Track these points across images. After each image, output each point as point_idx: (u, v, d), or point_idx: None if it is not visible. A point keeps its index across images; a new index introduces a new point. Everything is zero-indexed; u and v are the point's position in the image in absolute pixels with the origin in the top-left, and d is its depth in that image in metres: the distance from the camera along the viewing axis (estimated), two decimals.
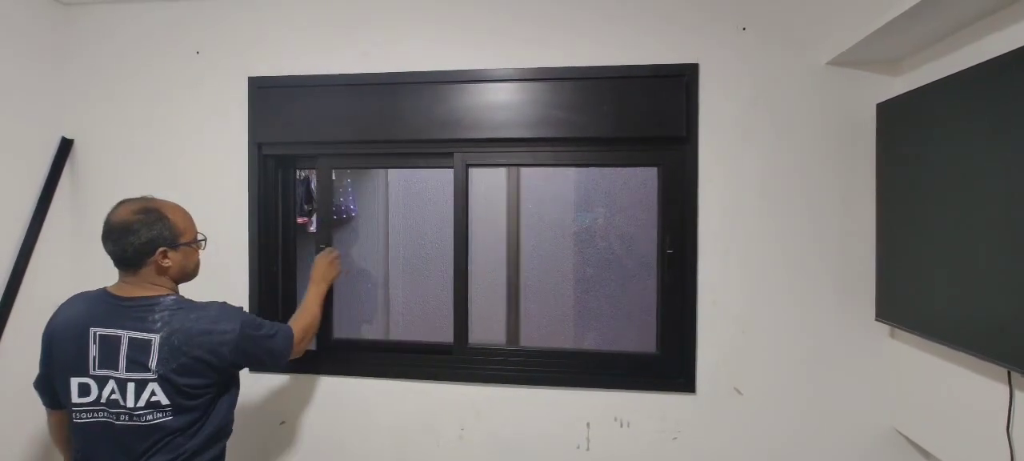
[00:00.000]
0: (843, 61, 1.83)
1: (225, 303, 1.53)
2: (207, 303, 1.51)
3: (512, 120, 1.99)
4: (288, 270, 2.25)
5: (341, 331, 2.31)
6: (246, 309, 1.70)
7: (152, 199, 1.49)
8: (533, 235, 2.17)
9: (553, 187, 2.23)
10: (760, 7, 1.90)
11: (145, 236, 1.41)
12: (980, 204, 1.33)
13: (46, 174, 2.12)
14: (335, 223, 2.42)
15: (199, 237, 1.56)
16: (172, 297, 1.46)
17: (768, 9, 1.89)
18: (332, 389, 2.12)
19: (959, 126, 1.40)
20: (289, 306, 2.24)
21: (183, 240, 1.48)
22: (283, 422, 2.14)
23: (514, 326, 2.17)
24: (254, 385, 2.16)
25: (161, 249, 1.43)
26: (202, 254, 1.62)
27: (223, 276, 2.15)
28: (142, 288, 1.44)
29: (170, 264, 1.46)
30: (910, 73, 1.77)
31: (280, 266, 2.22)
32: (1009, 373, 1.37)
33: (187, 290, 1.56)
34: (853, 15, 1.82)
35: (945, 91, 1.46)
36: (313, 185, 2.66)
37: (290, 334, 1.66)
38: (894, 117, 1.69)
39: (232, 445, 2.16)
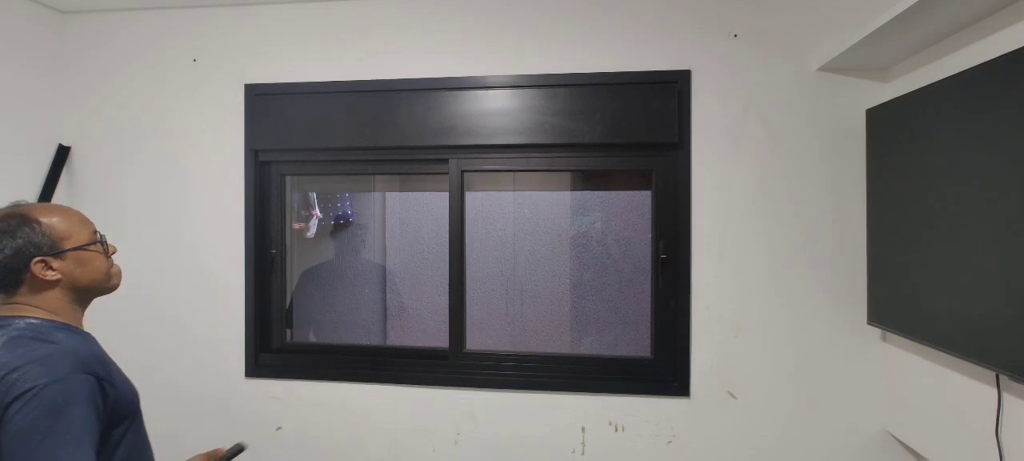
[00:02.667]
0: (833, 67, 1.86)
1: (80, 351, 1.08)
2: (63, 337, 1.09)
3: (507, 127, 2.01)
4: (283, 275, 2.25)
5: (338, 336, 2.32)
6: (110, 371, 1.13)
7: (19, 204, 1.16)
8: (530, 240, 2.18)
9: (549, 192, 2.24)
10: (751, 14, 1.92)
11: (9, 247, 1.08)
12: (969, 208, 1.35)
13: (44, 180, 2.13)
14: (333, 228, 2.44)
15: (98, 238, 1.21)
16: (28, 321, 1.09)
17: (759, 16, 1.91)
18: (329, 394, 2.13)
19: (948, 131, 1.42)
20: (283, 312, 2.25)
21: (69, 244, 1.14)
22: (280, 428, 2.15)
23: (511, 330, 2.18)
24: (250, 391, 2.16)
25: (37, 259, 1.09)
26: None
27: (218, 283, 2.16)
28: (12, 307, 1.11)
29: (57, 275, 1.12)
30: (899, 79, 1.79)
31: (275, 271, 2.23)
32: (997, 376, 1.38)
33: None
34: (843, 22, 1.84)
35: (933, 97, 1.48)
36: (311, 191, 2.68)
37: None
38: (883, 122, 1.71)
39: None
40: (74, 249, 1.16)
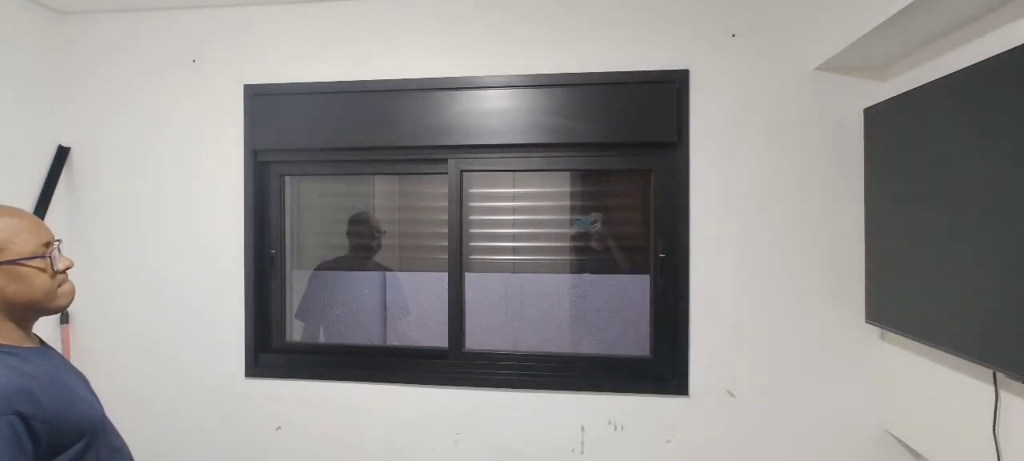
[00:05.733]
0: (831, 67, 1.86)
1: (1, 384, 0.96)
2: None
3: (506, 126, 2.01)
4: (283, 275, 2.25)
5: (338, 336, 2.32)
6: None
7: None
8: (530, 239, 2.18)
9: (549, 191, 2.24)
10: (749, 14, 1.92)
11: None
12: (966, 207, 1.35)
13: (43, 181, 2.14)
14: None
15: (50, 251, 1.08)
16: None
17: (757, 16, 1.92)
18: (328, 394, 2.13)
19: (945, 130, 1.42)
20: (283, 313, 2.25)
21: (3, 256, 1.02)
22: (279, 428, 2.15)
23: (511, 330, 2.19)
24: (250, 391, 2.16)
25: None
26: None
27: (218, 283, 2.17)
28: None
29: None
30: (896, 78, 1.79)
31: (275, 272, 2.23)
32: (994, 374, 1.38)
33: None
34: (841, 22, 1.84)
35: (931, 95, 1.48)
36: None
37: None
38: (881, 121, 1.72)
39: (228, 451, 2.18)
40: (8, 262, 1.02)
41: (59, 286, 1.10)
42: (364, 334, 2.30)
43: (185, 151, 2.19)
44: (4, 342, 1.03)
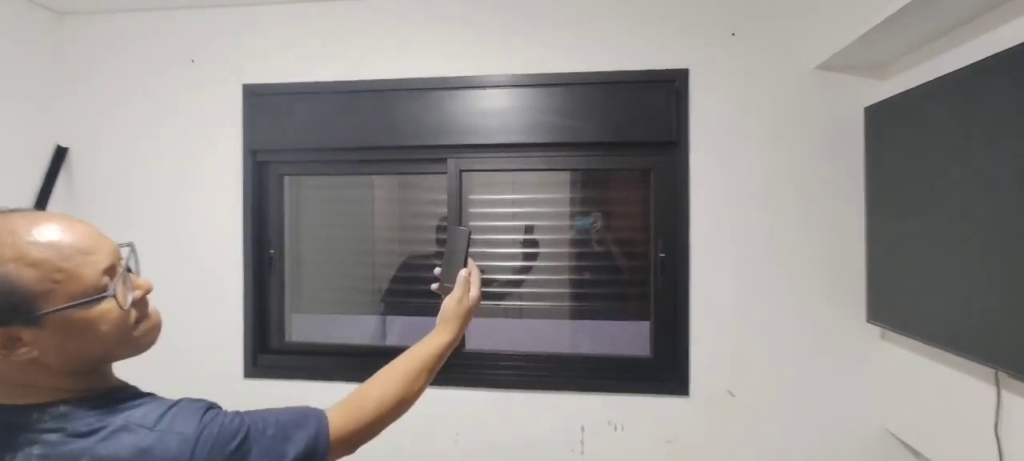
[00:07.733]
0: (831, 66, 1.86)
1: (181, 401, 0.84)
2: (143, 402, 0.80)
3: (505, 126, 2.01)
4: (282, 275, 2.25)
5: (335, 337, 2.32)
6: (212, 403, 0.91)
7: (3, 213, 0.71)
8: (530, 244, 2.17)
9: (549, 190, 2.24)
10: (749, 13, 1.92)
11: None
12: (967, 205, 1.35)
13: (41, 182, 2.13)
14: None
15: (115, 280, 0.74)
16: (65, 406, 0.71)
17: (757, 15, 1.91)
18: (328, 394, 2.11)
19: (946, 128, 1.42)
20: (282, 313, 2.25)
21: (50, 305, 0.67)
22: None
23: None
24: (249, 391, 2.16)
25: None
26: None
27: (217, 283, 2.16)
28: (8, 391, 0.71)
29: (32, 352, 0.68)
30: (897, 77, 1.79)
31: (274, 272, 2.23)
32: (996, 373, 1.38)
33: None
34: (841, 20, 1.84)
35: (931, 94, 1.48)
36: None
37: (319, 431, 0.89)
38: (881, 120, 1.71)
39: None
40: (55, 311, 0.67)
41: (137, 323, 0.80)
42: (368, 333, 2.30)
43: (184, 151, 2.18)
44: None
